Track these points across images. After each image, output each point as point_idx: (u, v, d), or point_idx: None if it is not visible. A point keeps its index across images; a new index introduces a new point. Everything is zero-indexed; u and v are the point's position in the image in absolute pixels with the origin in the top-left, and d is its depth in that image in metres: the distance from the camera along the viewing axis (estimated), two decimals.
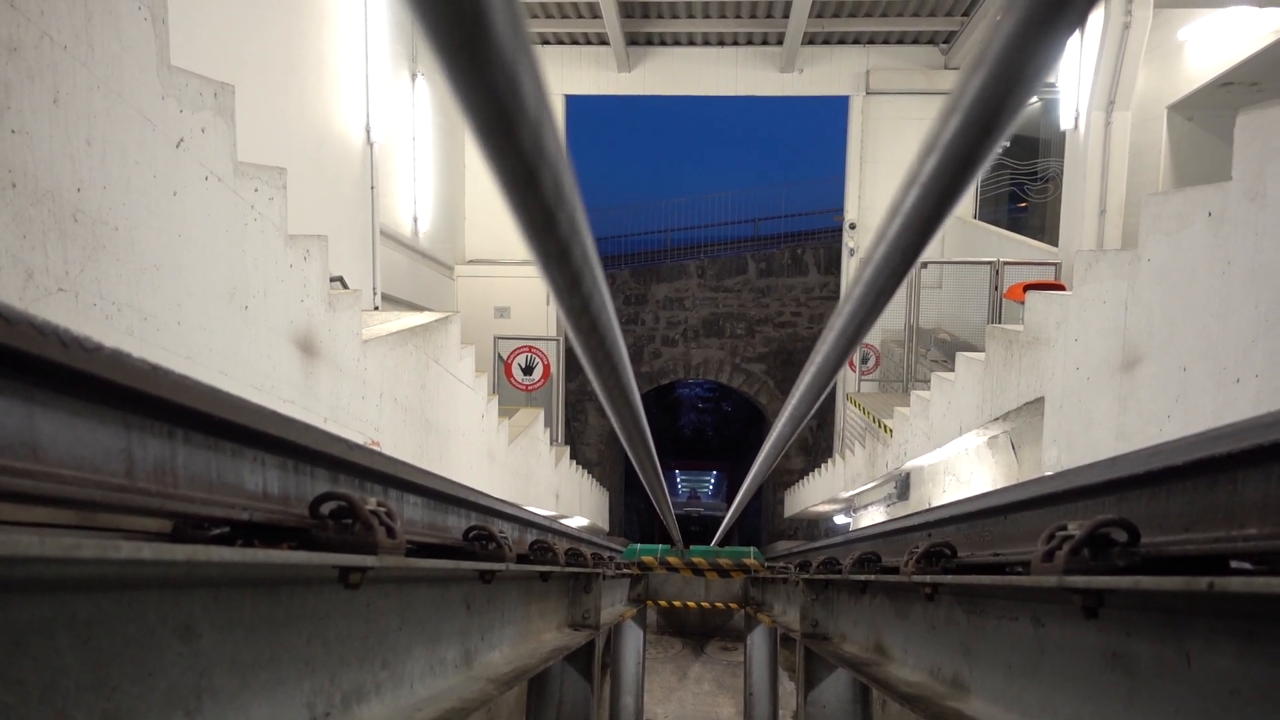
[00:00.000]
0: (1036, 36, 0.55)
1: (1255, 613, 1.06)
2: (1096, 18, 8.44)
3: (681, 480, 26.50)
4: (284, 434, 1.23)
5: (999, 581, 1.61)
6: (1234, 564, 1.13)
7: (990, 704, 1.98)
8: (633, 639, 7.05)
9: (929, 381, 7.34)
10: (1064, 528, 1.32)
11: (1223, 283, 3.22)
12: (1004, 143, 0.67)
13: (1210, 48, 9.11)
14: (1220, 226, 3.25)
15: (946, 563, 2.13)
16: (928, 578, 2.07)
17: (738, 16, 13.46)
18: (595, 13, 12.85)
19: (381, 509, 1.33)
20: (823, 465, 13.44)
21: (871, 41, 14.06)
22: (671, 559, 6.66)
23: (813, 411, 1.57)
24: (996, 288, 10.18)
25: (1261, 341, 3.01)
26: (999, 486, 2.91)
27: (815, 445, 18.69)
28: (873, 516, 10.62)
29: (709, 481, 26.42)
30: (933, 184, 0.71)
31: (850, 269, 14.53)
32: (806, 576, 3.87)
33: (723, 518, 6.39)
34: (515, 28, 0.49)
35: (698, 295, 19.70)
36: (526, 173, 0.61)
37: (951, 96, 0.64)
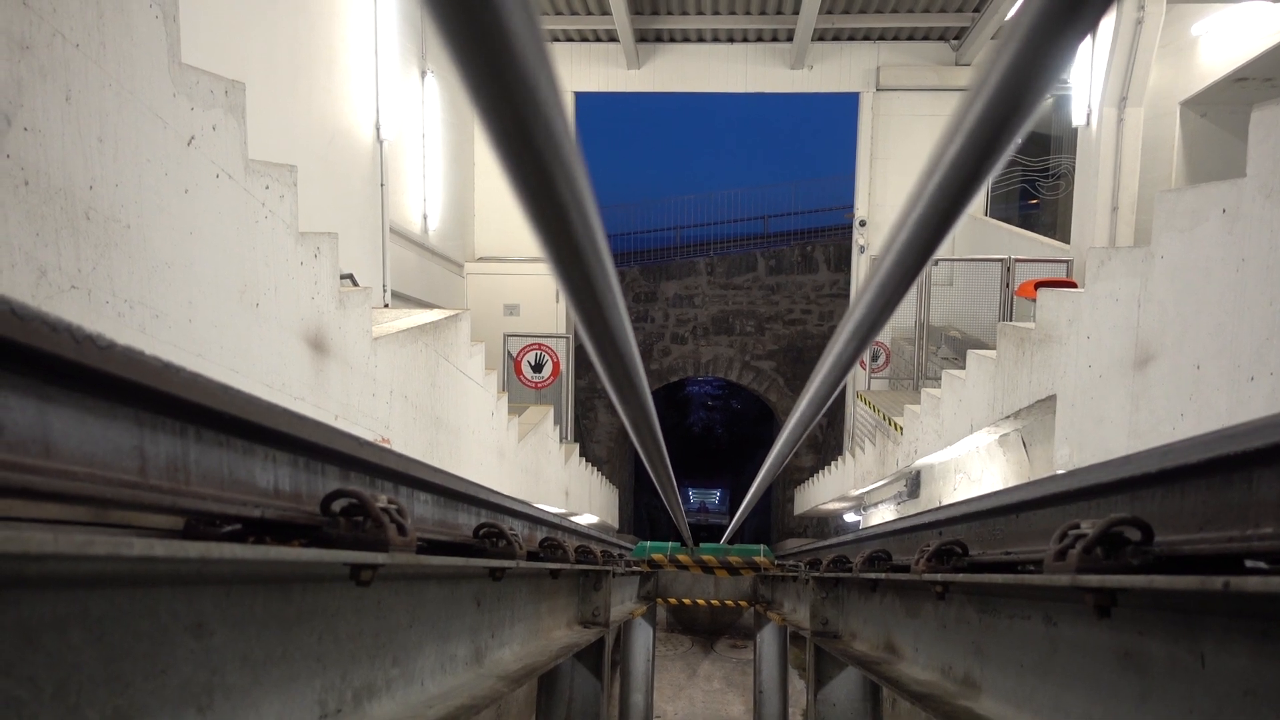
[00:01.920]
0: (1051, 37, 0.55)
1: (1270, 612, 1.05)
2: (1109, 13, 8.38)
3: (693, 494, 28.42)
4: (295, 431, 1.23)
5: (1011, 580, 1.60)
6: (1249, 563, 1.12)
7: (1002, 703, 1.97)
8: (642, 636, 7.06)
9: (940, 379, 7.32)
10: (1077, 526, 1.31)
11: (1237, 280, 3.20)
12: (1017, 141, 0.66)
13: (1224, 43, 9.05)
14: (1235, 223, 3.22)
15: (958, 561, 2.12)
16: (939, 576, 2.06)
17: (747, 13, 13.43)
18: (605, 9, 12.84)
19: (392, 506, 1.34)
20: (833, 463, 13.41)
21: (882, 38, 14.00)
22: (681, 556, 6.65)
23: (824, 410, 1.57)
24: (1008, 285, 10.14)
25: (1276, 339, 2.98)
26: (1010, 485, 2.89)
27: (825, 443, 18.65)
28: (883, 514, 10.60)
29: (716, 494, 28.54)
30: (946, 183, 0.71)
31: (861, 266, 14.49)
32: (816, 574, 3.86)
33: (728, 525, 6.40)
34: (529, 24, 0.48)
35: (707, 293, 19.68)
36: (540, 171, 0.60)
37: (966, 96, 0.63)
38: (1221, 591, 0.94)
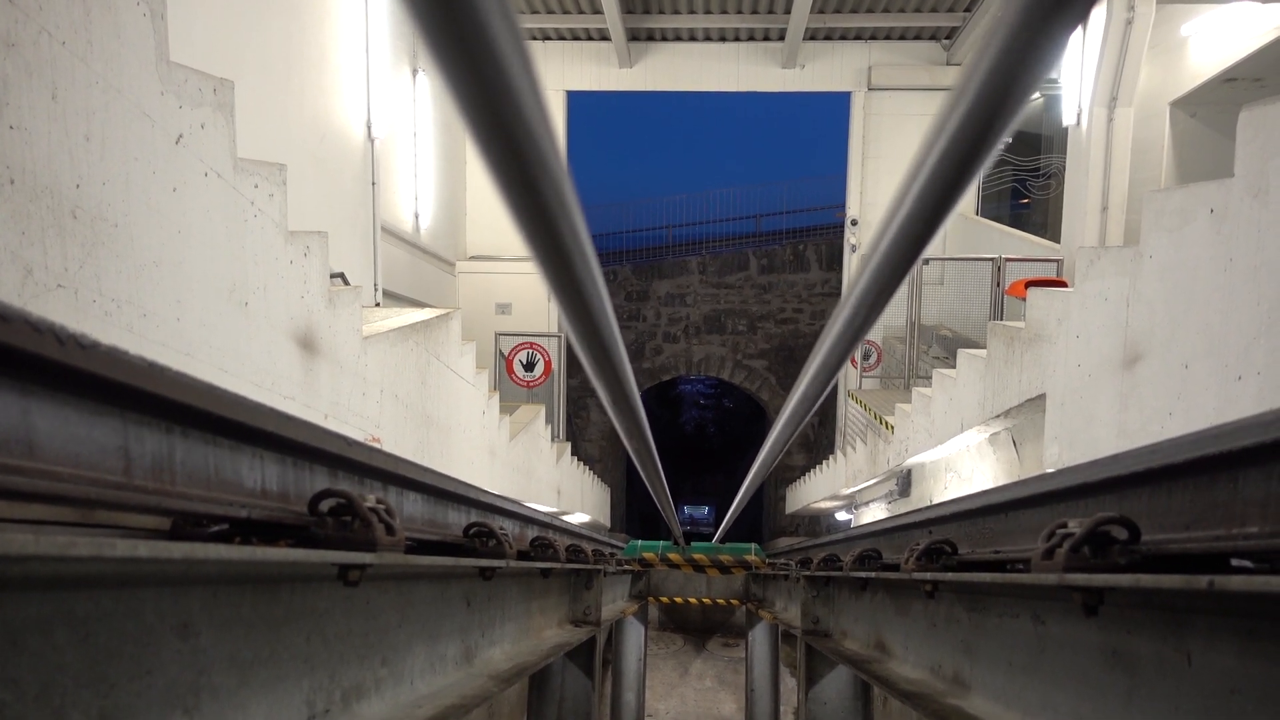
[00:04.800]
0: (1038, 33, 0.55)
1: (1256, 611, 1.06)
2: (1099, 14, 8.41)
3: (687, 509, 30.86)
4: (282, 431, 1.23)
5: (999, 579, 1.61)
6: (1235, 562, 1.12)
7: (991, 701, 1.98)
8: (634, 635, 7.06)
9: (931, 378, 7.34)
10: (1064, 525, 1.32)
11: (1225, 279, 3.21)
12: (1006, 139, 0.66)
13: (1213, 43, 9.09)
14: (1222, 223, 3.24)
15: (947, 560, 2.13)
16: (928, 575, 2.07)
17: (739, 12, 13.44)
18: (596, 8, 12.83)
19: (381, 506, 1.33)
20: (824, 462, 13.44)
21: (873, 37, 14.03)
22: (672, 555, 6.65)
23: (815, 408, 1.57)
24: (999, 284, 10.16)
25: (1263, 338, 3.00)
26: (1000, 484, 2.91)
27: (817, 442, 18.69)
28: (874, 513, 10.62)
29: (705, 509, 31.59)
30: (935, 180, 0.71)
31: (852, 265, 14.52)
32: (807, 573, 3.87)
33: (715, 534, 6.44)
34: (509, 25, 0.48)
35: (699, 291, 19.69)
36: (524, 175, 0.60)
37: (953, 93, 0.63)
38: (1206, 590, 0.94)
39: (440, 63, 0.50)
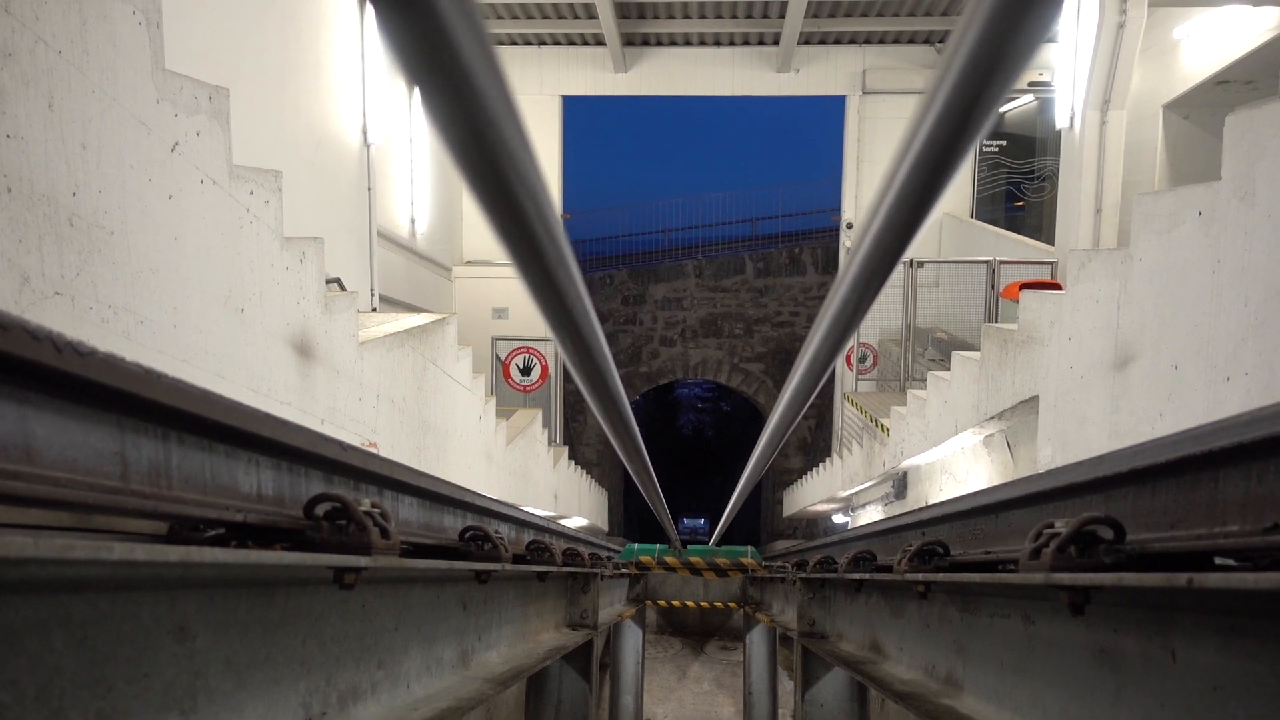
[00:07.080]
0: (1013, 25, 0.55)
1: (1236, 608, 1.07)
2: (1091, 17, 8.45)
3: (686, 521, 32.53)
4: (278, 436, 1.24)
5: (989, 579, 1.62)
6: (1218, 560, 1.14)
7: (982, 701, 2.00)
8: (631, 638, 7.06)
9: (926, 381, 7.36)
10: (1051, 525, 1.33)
11: (1213, 281, 3.24)
12: (985, 134, 0.67)
13: (1205, 46, 9.13)
14: (1210, 226, 3.26)
15: (939, 561, 2.15)
16: (920, 576, 2.08)
17: (734, 17, 13.48)
18: (591, 13, 12.87)
19: (376, 510, 1.35)
20: (821, 464, 13.45)
21: (868, 41, 14.08)
22: (669, 559, 6.66)
23: (806, 407, 1.58)
24: (993, 287, 10.19)
25: (1251, 339, 3.02)
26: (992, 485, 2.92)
27: (814, 444, 18.70)
28: (871, 515, 10.64)
29: (701, 521, 32.82)
30: (919, 170, 0.72)
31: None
32: (803, 575, 3.88)
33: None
34: (480, 43, 0.49)
35: (696, 295, 19.68)
36: (506, 194, 0.62)
37: (930, 88, 0.64)
38: (1186, 588, 0.96)
39: (418, 84, 0.51)
